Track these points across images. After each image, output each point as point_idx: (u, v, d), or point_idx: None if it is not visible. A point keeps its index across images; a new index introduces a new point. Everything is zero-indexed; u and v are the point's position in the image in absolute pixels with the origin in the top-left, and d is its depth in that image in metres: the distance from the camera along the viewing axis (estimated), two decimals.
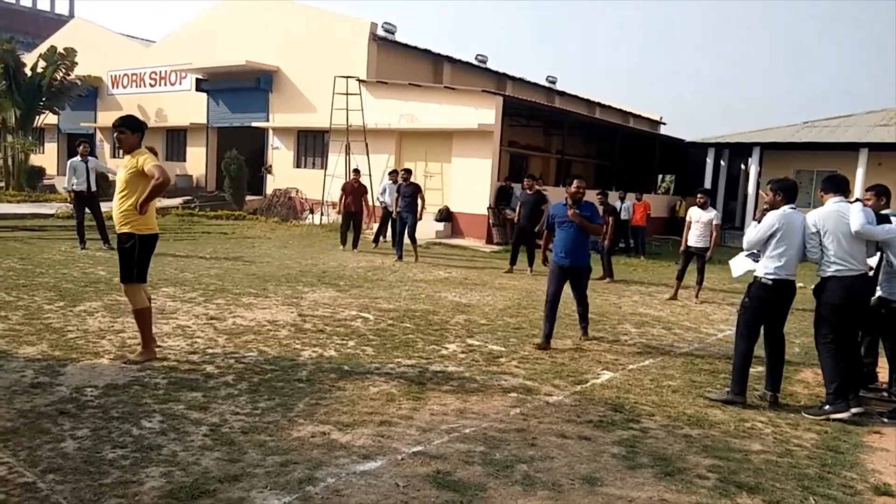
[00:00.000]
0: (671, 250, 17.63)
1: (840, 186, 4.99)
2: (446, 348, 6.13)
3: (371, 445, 3.80)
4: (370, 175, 17.52)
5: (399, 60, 21.05)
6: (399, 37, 21.30)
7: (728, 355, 6.40)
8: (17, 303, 6.91)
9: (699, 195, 9.96)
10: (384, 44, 20.58)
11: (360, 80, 19.20)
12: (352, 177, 14.14)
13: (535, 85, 26.63)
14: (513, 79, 25.45)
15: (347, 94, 18.64)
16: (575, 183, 6.68)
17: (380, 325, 6.96)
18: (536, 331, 7.10)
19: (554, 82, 28.19)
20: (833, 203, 4.91)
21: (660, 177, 30.55)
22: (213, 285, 8.68)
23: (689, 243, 9.80)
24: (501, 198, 16.91)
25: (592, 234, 6.82)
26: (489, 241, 16.63)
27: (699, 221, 9.70)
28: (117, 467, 3.34)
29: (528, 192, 12.04)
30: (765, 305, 4.96)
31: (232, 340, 5.95)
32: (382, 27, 20.54)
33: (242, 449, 3.64)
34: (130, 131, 5.46)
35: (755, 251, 5.05)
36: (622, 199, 17.25)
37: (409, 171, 13.18)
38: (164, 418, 4.03)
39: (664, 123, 32.55)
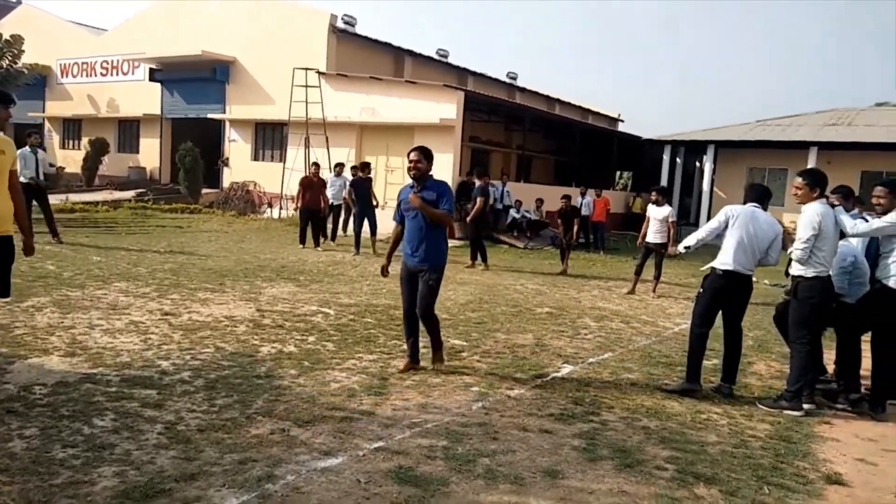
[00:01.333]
0: (629, 246, 17.93)
1: (824, 184, 4.96)
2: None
3: (332, 442, 3.75)
4: (330, 169, 17.32)
5: (359, 53, 20.87)
6: (359, 30, 21.14)
7: (685, 348, 6.55)
8: None
9: (654, 193, 10.16)
10: (344, 36, 20.38)
11: (319, 73, 18.98)
12: (311, 170, 13.72)
13: (497, 81, 26.73)
14: (474, 74, 25.50)
15: (307, 86, 18.41)
16: (411, 155, 5.09)
17: (341, 320, 6.89)
18: (498, 325, 7.14)
19: (515, 78, 28.34)
20: (821, 204, 4.84)
21: (618, 173, 31.02)
22: (167, 280, 8.47)
23: (648, 239, 9.99)
24: (463, 193, 16.93)
25: (441, 224, 5.08)
26: (450, 235, 16.62)
27: (655, 218, 9.90)
28: (68, 467, 3.22)
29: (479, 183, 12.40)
30: (718, 294, 5.08)
31: (188, 336, 5.81)
32: (342, 19, 20.34)
33: (199, 447, 3.56)
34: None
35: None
36: (582, 195, 17.47)
37: (366, 165, 13.32)
38: (117, 416, 3.91)
39: (622, 121, 33.07)
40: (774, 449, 4.13)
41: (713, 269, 5.13)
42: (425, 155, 5.12)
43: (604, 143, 25.30)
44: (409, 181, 5.24)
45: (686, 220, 23.74)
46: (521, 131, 22.32)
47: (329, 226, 14.06)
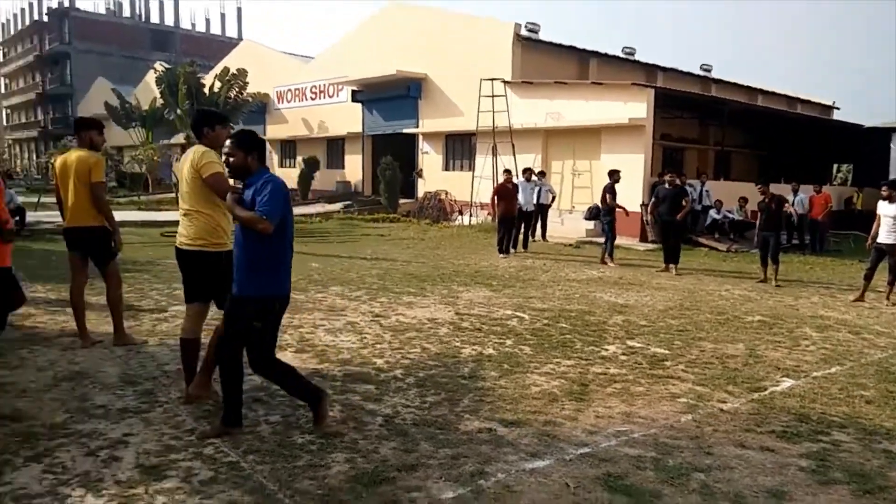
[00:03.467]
0: (852, 247, 16.00)
1: None
2: (606, 349, 6.00)
3: (538, 444, 3.82)
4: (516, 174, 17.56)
5: (544, 59, 20.93)
6: (542, 35, 21.20)
7: None
8: None
9: (884, 188, 8.94)
10: (528, 43, 20.57)
11: (504, 82, 19.34)
12: (504, 178, 13.60)
13: (689, 74, 25.31)
14: (664, 69, 24.38)
15: (493, 96, 18.85)
16: (227, 143, 3.88)
17: (535, 324, 6.97)
18: (703, 333, 6.76)
19: (709, 70, 26.64)
20: None
21: (835, 166, 27.83)
22: (375, 284, 9.14)
23: (879, 240, 8.85)
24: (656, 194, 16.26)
25: (252, 229, 3.63)
26: (643, 238, 16.05)
27: (888, 216, 8.74)
28: (307, 451, 3.63)
29: (668, 186, 11.59)
30: None
31: (397, 337, 6.23)
32: (526, 27, 20.54)
33: (415, 440, 3.81)
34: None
35: None
36: (795, 192, 15.94)
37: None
38: (343, 408, 4.31)
39: (837, 108, 29.61)
40: None
41: None
42: (239, 143, 3.78)
43: (816, 134, 22.83)
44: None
45: None
46: (718, 126, 20.89)
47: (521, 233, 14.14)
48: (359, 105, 25.47)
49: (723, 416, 4.39)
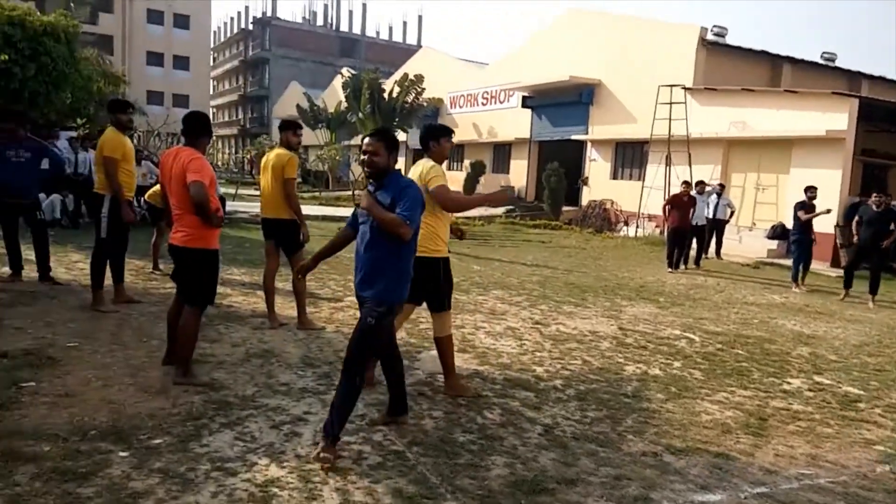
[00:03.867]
0: None
1: None
2: (789, 383, 5.50)
3: (708, 477, 3.59)
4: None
5: (730, 65, 19.63)
6: (730, 40, 19.90)
7: None
8: None
9: None
10: (713, 48, 19.40)
11: (685, 88, 18.41)
12: (681, 189, 12.93)
13: None
14: (869, 77, 21.87)
15: (671, 102, 18.02)
16: (365, 141, 3.68)
17: (707, 347, 6.56)
18: None
19: None
20: None
21: None
22: (535, 291, 9.12)
23: None
24: (853, 215, 14.62)
25: (393, 235, 3.53)
26: (834, 263, 14.51)
27: None
28: (467, 450, 3.70)
29: (876, 208, 10.25)
30: None
31: (557, 346, 6.17)
32: (712, 31, 19.40)
33: (575, 454, 3.75)
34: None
35: None
36: None
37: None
38: (503, 412, 4.35)
39: None
40: None
41: None
42: (385, 143, 3.62)
43: None
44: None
45: None
46: None
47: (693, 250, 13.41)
48: (528, 111, 25.55)
49: None
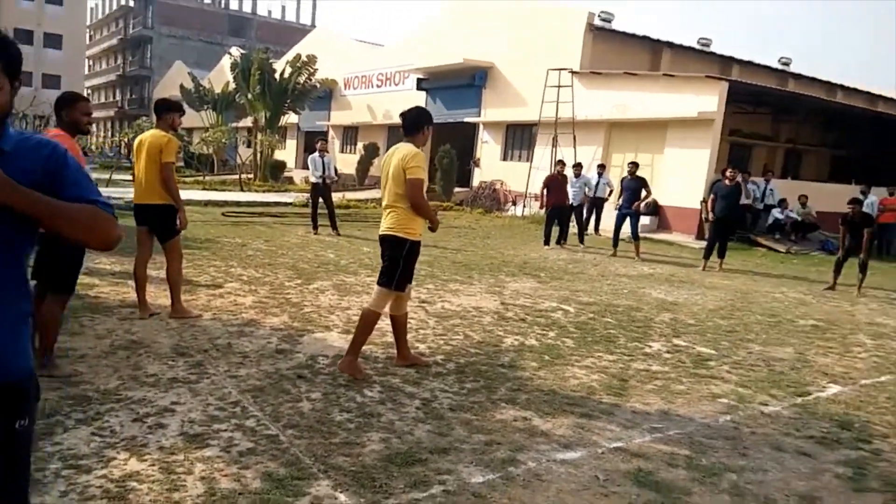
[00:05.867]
0: None
1: None
2: (650, 346, 5.95)
3: (571, 435, 3.85)
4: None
5: (615, 49, 20.51)
6: (616, 25, 20.77)
7: None
8: (264, 279, 7.99)
9: None
10: (600, 33, 20.18)
11: (572, 72, 19.08)
12: (556, 169, 13.61)
13: (766, 68, 24.32)
14: (740, 62, 23.49)
15: (559, 86, 18.63)
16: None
17: (580, 317, 6.95)
18: (752, 335, 6.60)
19: (787, 64, 25.54)
20: None
21: None
22: (423, 271, 9.24)
23: None
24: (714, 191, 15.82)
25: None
26: (699, 236, 15.66)
27: None
28: (344, 429, 3.76)
29: (728, 183, 11.29)
30: None
31: (441, 323, 6.33)
32: (599, 16, 20.15)
33: (451, 424, 3.90)
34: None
35: None
36: (864, 194, 15.20)
37: (635, 164, 12.92)
38: (384, 389, 4.43)
39: None
40: None
41: None
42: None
43: None
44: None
45: None
46: (792, 123, 20.09)
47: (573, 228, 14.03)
48: (423, 93, 25.61)
49: (763, 418, 4.31)
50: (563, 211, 13.30)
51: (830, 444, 3.92)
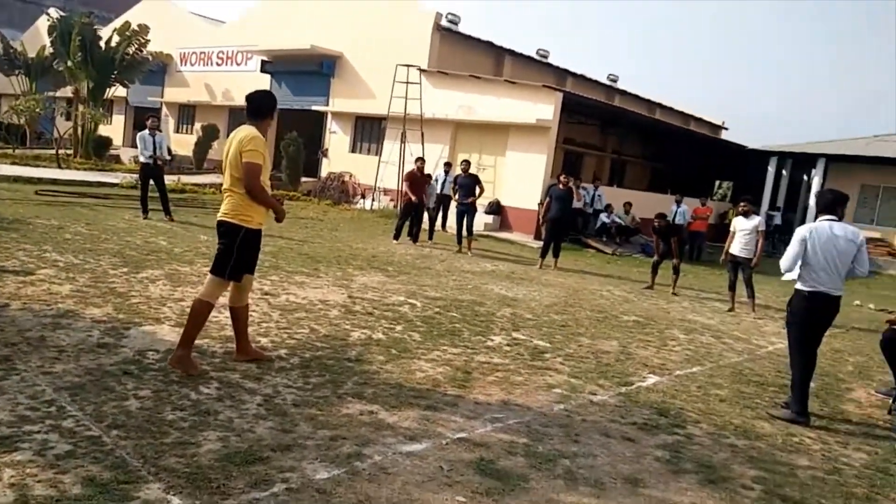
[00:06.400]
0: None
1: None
2: (492, 340, 6.18)
3: (417, 428, 3.88)
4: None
5: (461, 52, 21.06)
6: (462, 28, 21.32)
7: (778, 368, 6.30)
8: (84, 266, 7.24)
9: (742, 203, 9.64)
10: (447, 34, 20.62)
11: (420, 70, 19.31)
12: (416, 165, 13.43)
13: (596, 82, 26.29)
14: (574, 75, 25.18)
15: (408, 82, 18.77)
16: None
17: (427, 312, 7.06)
18: (582, 329, 7.10)
19: (615, 81, 27.78)
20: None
21: (717, 182, 29.84)
22: (267, 262, 8.89)
23: (733, 252, 9.50)
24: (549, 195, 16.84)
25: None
26: (537, 236, 16.58)
27: (743, 230, 9.41)
28: (177, 428, 3.50)
29: (561, 187, 12.16)
30: (809, 317, 4.87)
31: (285, 316, 6.12)
32: (447, 18, 20.57)
33: (294, 421, 3.78)
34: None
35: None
36: (678, 203, 16.94)
37: (468, 163, 13.49)
38: (221, 385, 4.20)
39: (726, 128, 31.74)
40: (870, 479, 3.93)
41: (797, 290, 4.92)
42: None
43: (705, 151, 24.39)
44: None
45: (789, 234, 22.48)
46: (617, 135, 21.90)
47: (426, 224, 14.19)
48: (267, 76, 24.61)
49: (592, 407, 4.65)
50: (419, 208, 13.37)
51: (651, 430, 4.32)
